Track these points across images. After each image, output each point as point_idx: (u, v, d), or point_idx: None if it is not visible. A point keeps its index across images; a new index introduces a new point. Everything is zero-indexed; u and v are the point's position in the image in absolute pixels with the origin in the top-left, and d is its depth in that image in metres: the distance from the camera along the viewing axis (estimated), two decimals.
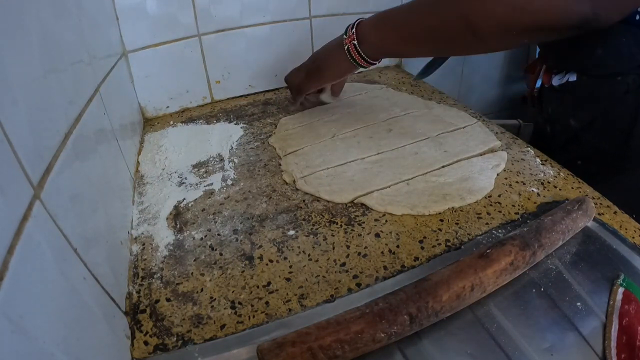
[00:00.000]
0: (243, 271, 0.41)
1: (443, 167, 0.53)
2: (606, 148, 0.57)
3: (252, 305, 0.37)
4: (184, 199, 0.52)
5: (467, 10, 0.43)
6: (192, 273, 0.41)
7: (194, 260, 0.42)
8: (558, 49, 0.61)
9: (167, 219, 0.48)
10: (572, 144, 0.62)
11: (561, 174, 0.53)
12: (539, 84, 0.70)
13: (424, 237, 0.44)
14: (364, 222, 0.46)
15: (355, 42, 0.54)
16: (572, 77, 0.60)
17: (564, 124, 0.62)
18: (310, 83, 0.63)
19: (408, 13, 0.50)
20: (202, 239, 0.45)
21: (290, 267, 0.41)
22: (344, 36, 0.55)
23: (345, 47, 0.55)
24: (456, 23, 0.44)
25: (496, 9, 0.41)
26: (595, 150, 0.59)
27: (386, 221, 0.46)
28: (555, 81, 0.63)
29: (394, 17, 0.52)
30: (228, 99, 0.81)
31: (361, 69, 0.59)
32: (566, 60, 0.61)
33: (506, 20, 0.41)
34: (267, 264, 0.41)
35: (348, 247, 0.43)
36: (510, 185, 0.51)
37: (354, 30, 0.54)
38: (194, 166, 0.59)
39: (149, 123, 0.74)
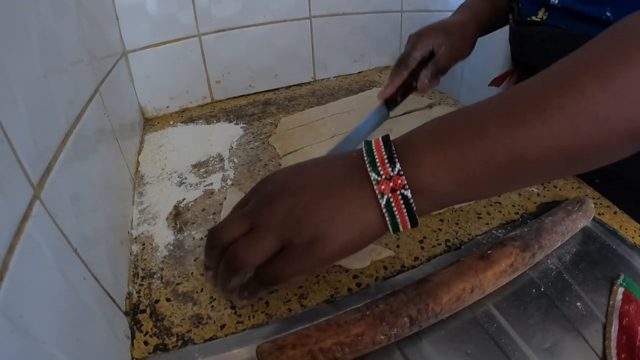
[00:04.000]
0: None
1: None
2: (633, 173, 0.50)
3: (252, 305, 0.37)
4: (184, 199, 0.52)
5: (633, 114, 0.24)
6: (192, 273, 0.41)
7: (194, 260, 0.42)
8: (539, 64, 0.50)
9: (167, 219, 0.48)
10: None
11: None
12: None
13: (424, 237, 0.44)
14: None
15: (408, 191, 0.27)
16: None
17: None
18: (297, 264, 0.28)
19: (515, 128, 0.25)
20: (202, 239, 0.45)
21: None
22: (374, 175, 0.27)
23: (383, 201, 0.27)
24: (617, 134, 0.25)
25: None
26: (616, 173, 0.51)
27: None
28: None
29: (480, 139, 0.26)
30: (228, 99, 0.81)
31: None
32: None
33: None
34: None
35: None
36: None
37: (398, 167, 0.27)
38: (194, 166, 0.59)
39: (149, 123, 0.74)
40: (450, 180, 0.26)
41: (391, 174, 0.26)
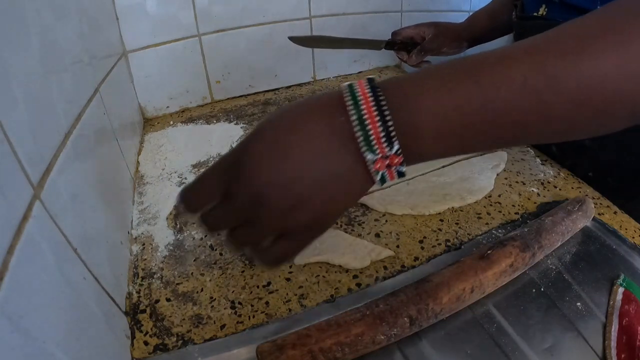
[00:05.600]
0: (243, 271, 0.41)
1: (443, 167, 0.53)
2: (626, 163, 0.51)
3: (252, 305, 0.37)
4: None
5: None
6: (192, 273, 0.41)
7: (194, 260, 0.42)
8: None
9: (167, 219, 0.48)
10: (582, 158, 0.54)
11: (561, 174, 0.53)
12: None
13: (424, 237, 0.44)
14: (364, 222, 0.46)
15: (404, 167, 0.25)
16: None
17: (574, 143, 0.52)
18: (299, 246, 0.29)
19: (516, 95, 0.24)
20: (202, 239, 0.45)
21: (290, 267, 0.41)
22: (370, 155, 0.24)
23: (378, 176, 0.25)
24: (616, 106, 0.24)
25: None
26: (611, 165, 0.53)
27: (386, 221, 0.46)
28: None
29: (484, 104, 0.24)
30: (228, 99, 0.81)
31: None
32: None
33: None
34: None
35: None
36: (510, 185, 0.51)
37: (397, 146, 0.24)
38: (194, 166, 0.59)
39: (149, 123, 0.74)
40: (447, 148, 0.26)
41: (388, 153, 0.24)
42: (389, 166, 0.25)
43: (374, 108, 0.24)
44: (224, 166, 0.28)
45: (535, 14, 0.55)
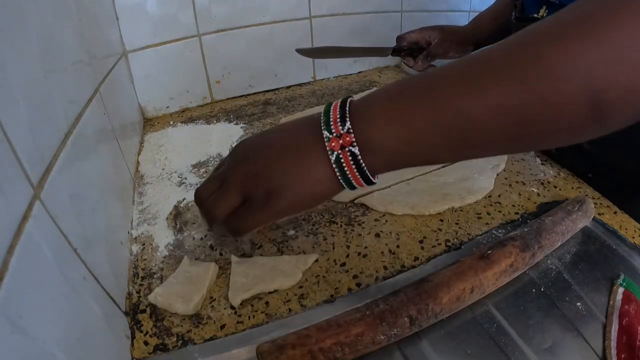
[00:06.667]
0: None
1: (443, 167, 0.53)
2: (626, 165, 0.51)
3: (252, 305, 0.37)
4: (184, 199, 0.52)
5: (591, 78, 0.22)
6: None
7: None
8: None
9: (167, 219, 0.48)
10: (580, 158, 0.53)
11: (561, 174, 0.53)
12: None
13: (424, 237, 0.44)
14: (364, 222, 0.46)
15: (356, 148, 0.28)
16: None
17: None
18: (256, 216, 0.31)
19: (464, 87, 0.25)
20: (202, 239, 0.45)
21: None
22: (327, 133, 0.28)
23: (333, 157, 0.28)
24: (572, 99, 0.23)
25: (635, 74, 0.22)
26: (610, 165, 0.52)
27: (386, 221, 0.46)
28: None
29: (430, 96, 0.27)
30: (228, 99, 0.81)
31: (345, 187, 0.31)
32: None
33: None
34: None
35: (348, 247, 0.43)
36: (510, 185, 0.51)
37: (348, 125, 0.28)
38: (194, 166, 0.59)
39: (149, 123, 0.74)
40: (399, 138, 0.27)
41: (341, 131, 0.28)
42: (342, 147, 0.28)
43: (339, 107, 0.29)
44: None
45: (535, 15, 0.55)
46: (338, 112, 0.28)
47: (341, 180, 0.29)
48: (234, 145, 0.35)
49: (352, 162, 0.28)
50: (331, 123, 0.28)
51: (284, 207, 0.30)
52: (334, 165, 0.28)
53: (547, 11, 0.54)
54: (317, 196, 0.30)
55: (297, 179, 0.29)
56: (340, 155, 0.28)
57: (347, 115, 0.28)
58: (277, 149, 0.31)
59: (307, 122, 0.31)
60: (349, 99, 0.29)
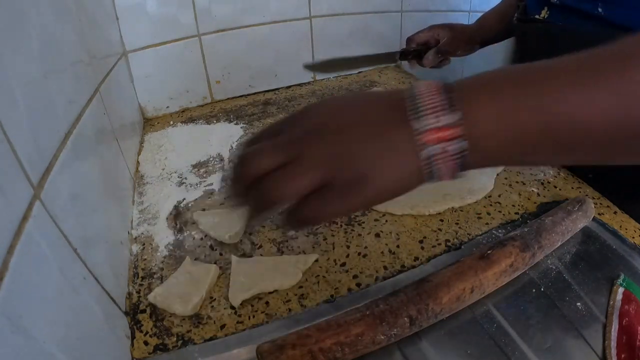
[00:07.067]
0: None
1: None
2: (626, 165, 0.52)
3: (252, 305, 0.37)
4: (184, 199, 0.52)
5: None
6: None
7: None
8: (538, 59, 0.54)
9: (167, 219, 0.48)
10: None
11: (561, 174, 0.53)
12: None
13: (424, 237, 0.44)
14: (364, 222, 0.46)
15: (464, 143, 0.23)
16: None
17: None
18: (337, 205, 0.25)
19: (579, 85, 0.22)
20: (202, 239, 0.45)
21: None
22: (418, 124, 0.24)
23: (425, 151, 0.24)
24: None
25: None
26: (609, 167, 0.53)
27: (386, 221, 0.46)
28: None
29: (538, 91, 0.23)
30: (228, 99, 0.81)
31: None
32: None
33: None
34: None
35: (348, 247, 0.43)
36: (510, 185, 0.51)
37: (458, 116, 0.23)
38: (194, 166, 0.59)
39: (149, 123, 0.74)
40: (503, 135, 0.23)
41: (443, 123, 0.23)
42: (441, 141, 0.23)
43: (442, 92, 0.24)
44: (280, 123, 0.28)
45: (537, 16, 0.55)
46: (439, 99, 0.23)
47: (426, 177, 0.25)
48: (291, 114, 0.28)
49: (450, 158, 0.24)
50: (425, 110, 0.23)
51: (367, 199, 0.25)
52: (422, 161, 0.24)
53: (548, 12, 0.54)
54: (396, 191, 0.26)
55: (384, 171, 0.25)
56: (436, 150, 0.24)
57: (455, 104, 0.23)
58: (361, 130, 0.25)
59: (389, 103, 0.26)
60: (447, 84, 0.24)
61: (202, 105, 0.79)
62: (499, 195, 0.49)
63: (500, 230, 0.44)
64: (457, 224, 0.45)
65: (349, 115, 0.26)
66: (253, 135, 0.29)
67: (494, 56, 1.07)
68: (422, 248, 0.42)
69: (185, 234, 0.46)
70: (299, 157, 0.25)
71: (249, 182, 0.26)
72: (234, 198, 0.27)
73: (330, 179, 0.25)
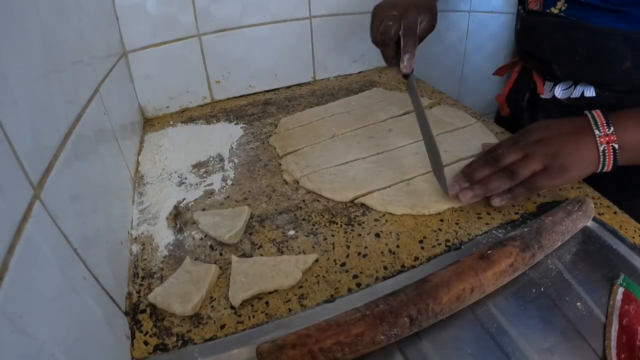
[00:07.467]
0: None
1: (444, 166, 0.53)
2: (626, 165, 0.50)
3: (252, 305, 0.37)
4: (184, 199, 0.52)
5: None
6: None
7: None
8: (571, 57, 0.55)
9: (167, 219, 0.48)
10: None
11: None
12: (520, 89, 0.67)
13: (424, 237, 0.44)
14: (364, 222, 0.46)
15: (617, 144, 0.42)
16: (588, 91, 0.56)
17: None
18: (552, 180, 0.44)
19: None
20: (202, 239, 0.45)
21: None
22: (597, 132, 0.42)
23: (601, 148, 0.42)
24: None
25: None
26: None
27: (386, 221, 0.46)
28: (561, 93, 0.59)
29: None
30: (228, 99, 0.81)
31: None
32: (581, 71, 0.55)
33: None
34: None
35: (348, 247, 0.43)
36: None
37: (611, 129, 0.42)
38: (194, 166, 0.59)
39: (149, 123, 0.74)
40: (638, 144, 0.42)
41: (607, 132, 0.42)
42: (608, 142, 0.42)
43: (602, 116, 0.43)
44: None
45: (552, 8, 0.54)
46: (603, 119, 0.43)
47: (600, 165, 0.43)
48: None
49: (612, 154, 0.42)
50: (600, 126, 0.43)
51: (571, 177, 0.44)
52: (600, 155, 0.42)
53: (565, 5, 0.53)
54: (587, 172, 0.44)
55: (580, 160, 0.43)
56: (606, 148, 0.42)
57: (611, 122, 0.42)
58: (564, 138, 0.44)
59: (579, 123, 0.44)
60: (602, 112, 0.44)
61: (202, 105, 0.79)
62: None
63: (500, 230, 0.44)
64: (457, 224, 0.45)
65: (555, 130, 0.45)
66: (499, 142, 0.49)
67: (495, 56, 1.07)
68: (422, 248, 0.42)
69: (185, 234, 0.46)
70: (532, 154, 0.44)
71: (502, 166, 0.45)
72: (477, 174, 0.47)
73: (547, 166, 0.43)
